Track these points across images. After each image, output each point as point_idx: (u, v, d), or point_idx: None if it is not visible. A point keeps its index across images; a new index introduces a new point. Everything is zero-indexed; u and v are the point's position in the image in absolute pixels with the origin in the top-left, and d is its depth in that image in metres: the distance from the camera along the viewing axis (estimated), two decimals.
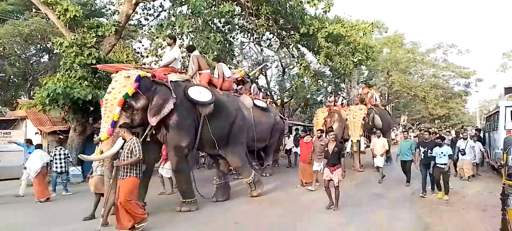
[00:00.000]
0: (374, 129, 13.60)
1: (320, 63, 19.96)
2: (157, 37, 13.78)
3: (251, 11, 14.25)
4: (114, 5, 17.16)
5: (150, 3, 15.92)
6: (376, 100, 16.33)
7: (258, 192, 8.88)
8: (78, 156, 9.69)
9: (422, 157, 8.96)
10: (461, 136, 12.42)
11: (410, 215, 7.23)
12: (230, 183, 9.80)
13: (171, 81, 7.26)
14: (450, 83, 34.12)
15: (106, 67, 8.56)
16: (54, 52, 15.67)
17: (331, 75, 27.31)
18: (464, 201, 8.46)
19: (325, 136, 13.47)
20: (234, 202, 8.49)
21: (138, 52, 17.39)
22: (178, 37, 15.41)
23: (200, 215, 7.30)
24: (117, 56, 16.14)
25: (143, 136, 6.77)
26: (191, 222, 6.85)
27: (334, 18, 16.35)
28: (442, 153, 8.43)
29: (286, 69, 29.64)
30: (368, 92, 16.15)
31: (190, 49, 8.74)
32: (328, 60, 16.74)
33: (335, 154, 7.56)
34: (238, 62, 21.43)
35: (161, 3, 16.55)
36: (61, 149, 10.27)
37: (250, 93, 12.59)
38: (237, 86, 11.93)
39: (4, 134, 13.20)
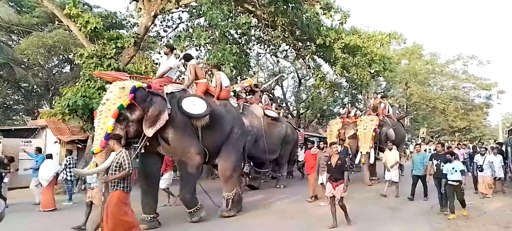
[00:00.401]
0: (388, 141, 12.82)
1: (336, 75, 19.90)
2: (175, 48, 14.02)
3: (267, 22, 14.36)
4: (133, 18, 17.57)
5: (168, 15, 16.27)
6: (389, 112, 15.68)
7: (230, 213, 7.98)
8: (71, 170, 9.82)
9: (435, 170, 8.62)
10: (478, 150, 11.84)
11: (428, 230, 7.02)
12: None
13: (167, 92, 7.09)
14: (471, 95, 33.41)
15: (103, 75, 8.41)
16: (75, 63, 16.08)
17: (348, 86, 27.14)
18: (484, 217, 8.15)
19: (340, 148, 13.41)
20: (246, 215, 8.35)
21: (156, 63, 17.69)
22: (196, 48, 15.74)
23: (211, 227, 7.26)
24: (136, 67, 16.44)
25: (138, 148, 6.65)
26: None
27: (351, 29, 16.32)
28: (453, 168, 7.95)
29: (302, 81, 29.60)
30: (380, 102, 15.37)
31: (187, 58, 8.51)
32: (344, 71, 16.69)
33: (338, 167, 7.03)
34: (254, 73, 21.53)
35: (179, 15, 16.73)
36: (70, 158, 10.38)
37: (261, 103, 12.51)
38: (247, 96, 12.00)
39: (25, 142, 13.55)
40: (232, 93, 11.03)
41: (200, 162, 7.36)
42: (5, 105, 22.32)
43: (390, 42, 17.45)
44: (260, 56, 24.02)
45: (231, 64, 12.11)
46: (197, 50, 16.17)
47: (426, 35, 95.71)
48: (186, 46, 14.54)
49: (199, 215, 7.37)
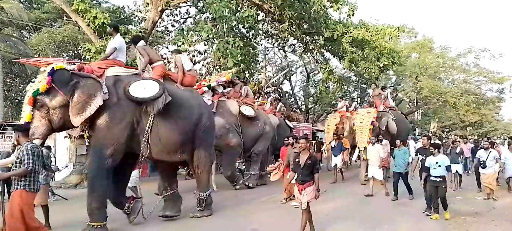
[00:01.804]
0: (380, 136, 11.89)
1: (344, 68, 19.76)
2: (182, 43, 14.06)
3: (274, 16, 14.28)
4: (141, 12, 17.62)
5: (176, 10, 16.28)
6: (390, 103, 14.72)
7: (203, 215, 7.35)
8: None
9: (420, 166, 7.93)
10: (481, 144, 11.10)
11: (435, 226, 6.92)
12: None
13: (108, 76, 6.29)
14: (482, 89, 32.84)
15: (31, 61, 7.35)
16: (84, 58, 16.23)
17: (357, 80, 26.93)
18: (494, 213, 8.04)
19: (334, 143, 12.80)
20: (251, 208, 8.30)
21: (164, 58, 17.76)
22: (204, 43, 15.73)
23: (216, 221, 7.22)
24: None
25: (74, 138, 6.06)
26: (206, 228, 6.82)
27: (359, 22, 16.16)
28: (436, 163, 7.20)
29: (310, 75, 29.47)
30: (380, 93, 14.17)
31: (135, 40, 7.50)
32: (352, 65, 16.56)
33: (307, 167, 5.83)
34: (261, 68, 21.48)
35: (187, 10, 16.73)
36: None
37: (241, 96, 11.96)
38: (225, 89, 11.43)
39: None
40: (206, 89, 10.67)
41: (109, 165, 6.12)
42: (17, 100, 22.66)
43: (399, 36, 17.25)
44: (267, 50, 23.95)
45: (236, 58, 12.01)
46: (205, 44, 16.19)
47: (437, 28, 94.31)
48: (194, 41, 14.57)
49: None
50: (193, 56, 17.28)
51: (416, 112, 37.27)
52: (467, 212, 7.98)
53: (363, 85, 27.91)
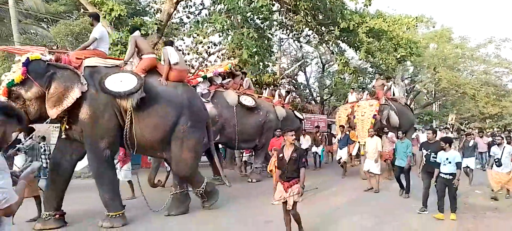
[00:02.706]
0: (385, 128, 11.32)
1: (361, 59, 19.50)
2: (197, 35, 14.08)
3: (289, 7, 14.15)
4: (156, 4, 17.71)
5: (190, 1, 16.30)
6: (394, 94, 13.92)
7: (211, 203, 7.37)
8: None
9: (424, 162, 7.37)
10: (494, 140, 10.31)
11: (453, 222, 6.72)
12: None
13: (87, 66, 6.07)
14: (503, 80, 32.09)
15: (10, 49, 7.21)
16: None
17: (373, 71, 26.56)
18: None
19: (341, 135, 12.23)
20: (264, 200, 8.19)
21: (180, 50, 17.84)
22: (219, 35, 15.73)
23: (229, 214, 7.23)
24: (159, 54, 16.66)
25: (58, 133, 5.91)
26: (220, 220, 6.83)
27: (376, 12, 15.89)
28: (447, 159, 6.73)
29: (326, 66, 29.19)
30: (382, 84, 13.32)
31: (131, 31, 7.31)
32: (369, 56, 16.33)
33: (293, 162, 5.19)
34: (276, 59, 21.37)
35: (202, 1, 16.72)
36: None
37: (241, 87, 11.65)
38: (224, 80, 11.09)
39: (55, 127, 14.02)
40: (201, 79, 10.34)
41: (108, 156, 6.10)
42: None
43: (417, 26, 16.91)
44: (282, 41, 23.77)
45: (251, 49, 11.95)
46: (220, 36, 16.20)
47: (456, 18, 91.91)
48: (209, 32, 14.57)
49: (112, 224, 6.05)
50: (208, 48, 17.33)
51: (434, 104, 36.63)
52: (488, 207, 7.80)
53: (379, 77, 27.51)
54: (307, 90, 29.17)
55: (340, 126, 12.88)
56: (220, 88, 10.83)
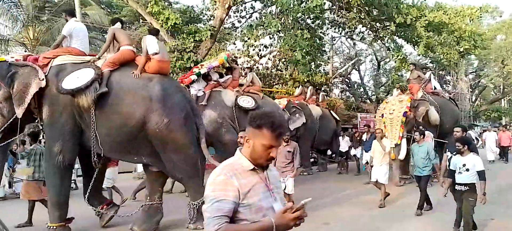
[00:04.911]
0: (421, 127, 9.18)
1: (419, 55, 18.59)
2: (249, 38, 14.29)
3: (341, 4, 13.87)
4: (209, 11, 18.23)
5: (241, 6, 16.57)
6: (435, 88, 12.22)
7: (196, 226, 5.87)
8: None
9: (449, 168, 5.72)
10: None
11: None
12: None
13: (54, 65, 5.70)
14: None
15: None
16: None
17: (434, 67, 25.19)
18: None
19: (367, 135, 10.96)
20: (322, 203, 7.99)
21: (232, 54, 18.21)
22: (269, 37, 15.83)
23: None
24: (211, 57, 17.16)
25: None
26: None
27: (435, 5, 15.07)
28: (464, 165, 5.17)
29: (381, 63, 28.21)
30: (419, 76, 11.79)
31: (113, 22, 6.68)
32: (428, 51, 15.55)
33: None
34: (328, 58, 21.03)
35: (252, 4, 16.91)
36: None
37: (242, 84, 10.19)
38: (222, 78, 9.76)
39: None
40: (195, 77, 9.10)
41: (63, 163, 5.59)
42: None
43: (481, 17, 15.80)
44: (334, 40, 23.34)
45: (304, 50, 11.90)
46: (270, 38, 16.30)
47: None
48: (260, 35, 14.72)
49: None
50: (259, 50, 17.48)
51: (502, 99, 34.01)
52: None
53: (440, 72, 26.04)
54: (362, 89, 28.37)
55: (365, 126, 11.96)
56: (217, 88, 9.47)
